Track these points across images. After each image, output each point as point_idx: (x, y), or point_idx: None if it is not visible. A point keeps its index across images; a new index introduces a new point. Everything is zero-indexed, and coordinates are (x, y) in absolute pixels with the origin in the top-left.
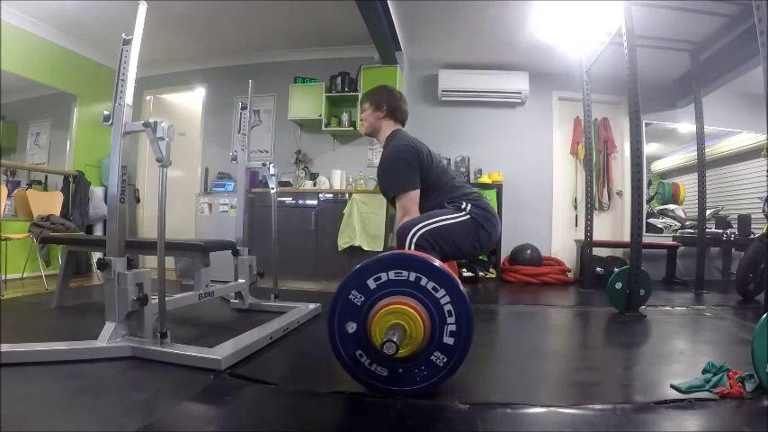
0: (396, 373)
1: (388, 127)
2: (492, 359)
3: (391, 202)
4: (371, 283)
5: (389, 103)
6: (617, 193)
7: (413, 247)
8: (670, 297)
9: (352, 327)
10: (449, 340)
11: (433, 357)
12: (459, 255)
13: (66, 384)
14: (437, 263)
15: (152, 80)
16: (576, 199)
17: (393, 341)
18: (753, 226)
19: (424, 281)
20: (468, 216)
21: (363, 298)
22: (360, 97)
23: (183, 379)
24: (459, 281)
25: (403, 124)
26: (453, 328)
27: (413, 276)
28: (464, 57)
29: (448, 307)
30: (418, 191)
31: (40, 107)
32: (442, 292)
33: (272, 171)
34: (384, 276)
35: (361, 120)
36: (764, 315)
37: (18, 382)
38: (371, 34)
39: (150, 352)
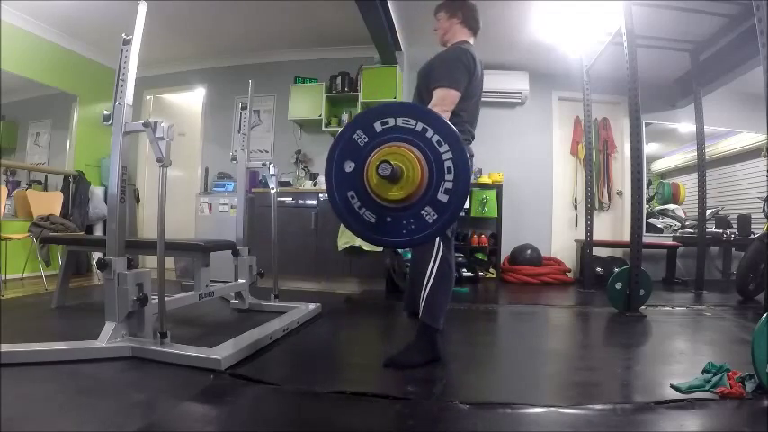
0: (383, 222)
1: (461, 35)
2: (492, 359)
3: (424, 94)
4: (378, 126)
5: (464, 11)
6: (617, 193)
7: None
8: (670, 297)
9: (350, 166)
10: (443, 197)
11: (423, 212)
12: None
13: (67, 384)
14: (449, 124)
15: (152, 80)
16: (575, 199)
17: (389, 163)
18: (753, 226)
19: (430, 133)
20: None
21: (367, 139)
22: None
23: (183, 379)
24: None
25: (475, 35)
26: (450, 185)
27: (420, 126)
28: None
29: (449, 163)
30: (460, 94)
31: (40, 107)
32: (445, 147)
33: (272, 171)
34: (392, 121)
35: (435, 30)
36: (764, 315)
37: (18, 382)
38: (371, 34)
39: (150, 352)
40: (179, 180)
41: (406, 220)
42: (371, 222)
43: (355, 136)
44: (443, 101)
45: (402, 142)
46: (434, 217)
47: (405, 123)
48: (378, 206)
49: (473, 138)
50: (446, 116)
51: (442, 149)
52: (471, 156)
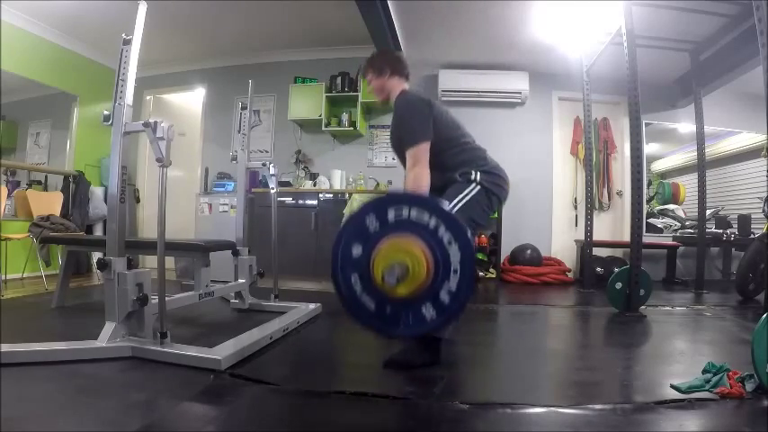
0: (382, 311)
1: (398, 85)
2: (492, 359)
3: (403, 157)
4: (391, 215)
5: (390, 62)
6: (617, 193)
7: None
8: (670, 297)
9: (357, 249)
10: (445, 297)
11: (423, 308)
12: (475, 228)
13: (66, 384)
14: (459, 218)
15: (152, 80)
16: (575, 199)
17: (395, 272)
18: (753, 226)
19: (442, 230)
20: (479, 186)
21: (378, 226)
22: (360, 71)
23: (183, 379)
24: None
25: (408, 79)
26: (453, 287)
27: (433, 223)
28: (464, 57)
29: (456, 265)
30: (429, 143)
31: (40, 107)
32: (455, 247)
33: (272, 171)
34: (406, 212)
35: (371, 91)
36: (764, 315)
37: (18, 382)
38: (371, 34)
39: (150, 352)
40: (179, 180)
41: (405, 313)
42: (370, 309)
43: (367, 220)
44: (416, 158)
45: (412, 235)
46: (433, 315)
47: (418, 217)
48: (379, 295)
49: (478, 157)
50: (425, 172)
51: (451, 250)
52: (500, 173)
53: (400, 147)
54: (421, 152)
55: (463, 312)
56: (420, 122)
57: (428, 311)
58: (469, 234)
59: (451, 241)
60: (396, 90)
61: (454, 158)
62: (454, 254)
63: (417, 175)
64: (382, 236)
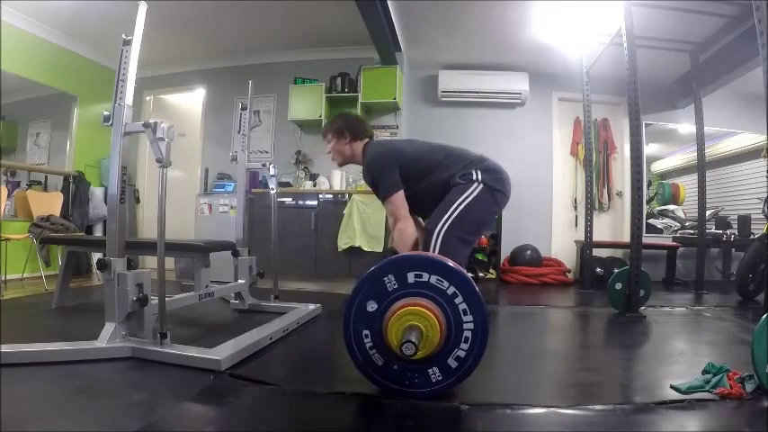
0: (389, 368)
1: (358, 146)
2: (492, 360)
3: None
4: (411, 277)
5: (349, 126)
6: (617, 194)
7: (438, 244)
8: (670, 298)
9: (372, 306)
10: (452, 363)
11: (430, 371)
12: (486, 228)
13: (66, 385)
14: (480, 295)
15: (152, 80)
16: (575, 199)
17: (413, 342)
18: (753, 226)
19: (459, 299)
20: (482, 185)
21: (397, 286)
22: (323, 131)
23: (183, 379)
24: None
25: (370, 137)
26: (462, 354)
27: (451, 290)
28: (464, 57)
29: (468, 333)
30: (401, 191)
31: (40, 107)
32: (469, 317)
33: (271, 171)
34: (425, 276)
35: (329, 153)
36: (764, 316)
37: (18, 382)
38: (371, 34)
39: (150, 352)
40: (179, 180)
41: (412, 373)
42: (378, 364)
43: (386, 279)
44: (394, 213)
45: (429, 300)
46: (439, 378)
47: (438, 283)
48: (389, 352)
49: (474, 158)
50: (407, 224)
51: (465, 318)
52: (500, 170)
53: (378, 196)
54: (395, 205)
55: (467, 377)
56: (386, 178)
57: (435, 374)
58: (485, 309)
59: (467, 311)
60: (357, 151)
61: (449, 170)
62: (468, 323)
63: (401, 232)
64: (400, 297)
